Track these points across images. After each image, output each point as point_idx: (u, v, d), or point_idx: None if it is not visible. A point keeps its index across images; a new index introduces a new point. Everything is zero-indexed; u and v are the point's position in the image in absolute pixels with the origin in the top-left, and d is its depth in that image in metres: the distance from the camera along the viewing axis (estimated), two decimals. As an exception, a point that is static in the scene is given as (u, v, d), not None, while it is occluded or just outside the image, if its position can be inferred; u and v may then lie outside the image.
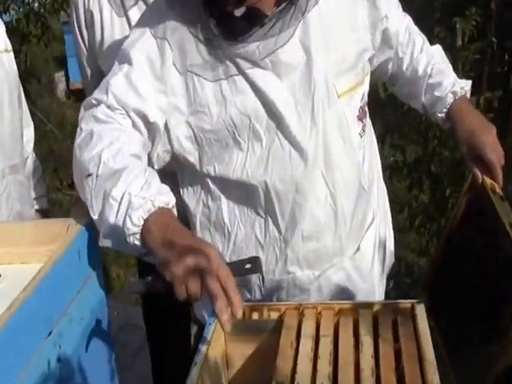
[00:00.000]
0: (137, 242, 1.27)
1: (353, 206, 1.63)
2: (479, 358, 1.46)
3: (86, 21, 2.07)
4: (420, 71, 1.80)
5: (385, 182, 1.87)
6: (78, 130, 1.47)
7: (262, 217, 1.59)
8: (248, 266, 1.24)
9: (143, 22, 1.53)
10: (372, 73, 1.70)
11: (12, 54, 2.05)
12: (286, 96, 1.50)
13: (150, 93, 1.47)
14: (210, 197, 1.61)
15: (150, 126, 1.48)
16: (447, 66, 1.83)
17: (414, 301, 1.45)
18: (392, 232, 1.87)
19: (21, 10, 5.25)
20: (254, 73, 1.47)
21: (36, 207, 2.20)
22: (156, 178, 1.35)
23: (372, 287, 1.74)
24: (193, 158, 1.56)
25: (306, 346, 1.36)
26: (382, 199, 1.83)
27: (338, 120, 1.55)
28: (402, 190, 3.46)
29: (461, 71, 2.90)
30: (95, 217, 1.34)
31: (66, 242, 1.40)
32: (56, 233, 1.46)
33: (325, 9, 1.48)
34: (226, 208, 1.60)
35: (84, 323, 1.43)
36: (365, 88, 1.63)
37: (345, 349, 1.34)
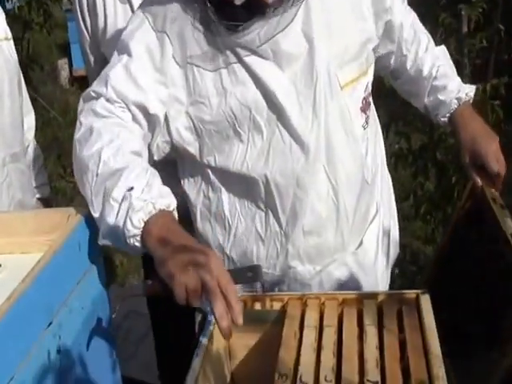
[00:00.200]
0: (137, 244, 1.25)
1: (355, 201, 1.60)
2: (480, 362, 1.46)
3: (88, 8, 2.06)
4: (425, 72, 1.78)
5: (389, 169, 1.85)
6: (78, 123, 1.46)
7: (262, 210, 1.57)
8: (249, 274, 1.24)
9: (143, 10, 1.51)
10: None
11: (12, 41, 2.04)
12: (287, 86, 1.47)
13: (149, 84, 1.45)
14: (210, 188, 1.60)
15: (150, 118, 1.47)
16: (452, 69, 1.83)
17: (419, 291, 1.44)
18: (397, 221, 1.84)
19: (22, -3, 5.26)
20: (255, 62, 1.44)
21: (38, 196, 2.19)
22: (157, 179, 1.33)
23: (375, 281, 1.71)
24: (193, 148, 1.54)
25: (310, 336, 1.34)
26: (387, 189, 1.80)
27: (341, 112, 1.52)
28: (407, 178, 3.43)
29: (467, 58, 2.88)
30: (95, 215, 1.33)
31: (66, 232, 1.38)
32: (57, 222, 1.45)
33: None
34: (227, 200, 1.59)
35: (84, 313, 1.42)
36: (368, 78, 1.60)
37: (349, 339, 1.33)
